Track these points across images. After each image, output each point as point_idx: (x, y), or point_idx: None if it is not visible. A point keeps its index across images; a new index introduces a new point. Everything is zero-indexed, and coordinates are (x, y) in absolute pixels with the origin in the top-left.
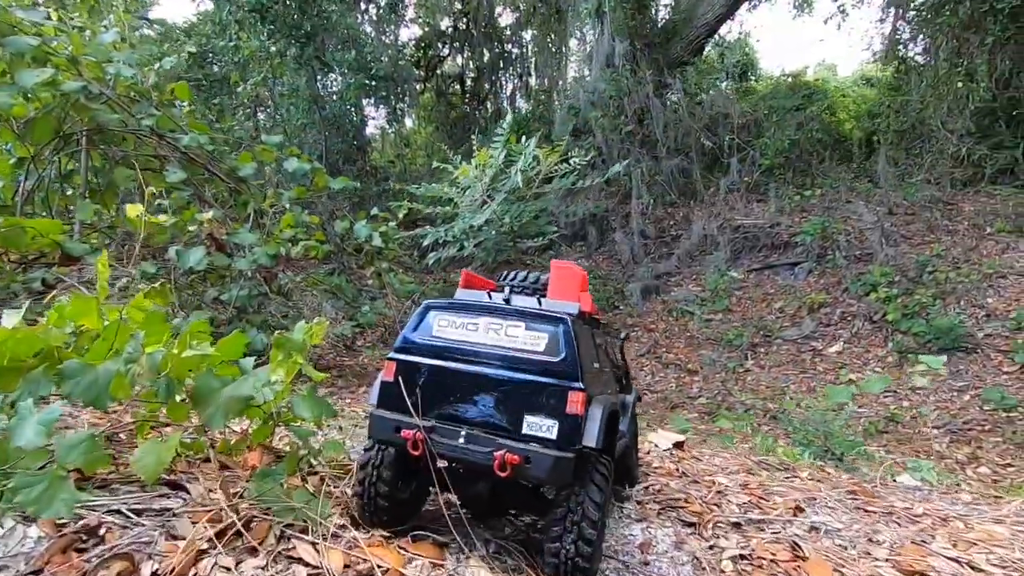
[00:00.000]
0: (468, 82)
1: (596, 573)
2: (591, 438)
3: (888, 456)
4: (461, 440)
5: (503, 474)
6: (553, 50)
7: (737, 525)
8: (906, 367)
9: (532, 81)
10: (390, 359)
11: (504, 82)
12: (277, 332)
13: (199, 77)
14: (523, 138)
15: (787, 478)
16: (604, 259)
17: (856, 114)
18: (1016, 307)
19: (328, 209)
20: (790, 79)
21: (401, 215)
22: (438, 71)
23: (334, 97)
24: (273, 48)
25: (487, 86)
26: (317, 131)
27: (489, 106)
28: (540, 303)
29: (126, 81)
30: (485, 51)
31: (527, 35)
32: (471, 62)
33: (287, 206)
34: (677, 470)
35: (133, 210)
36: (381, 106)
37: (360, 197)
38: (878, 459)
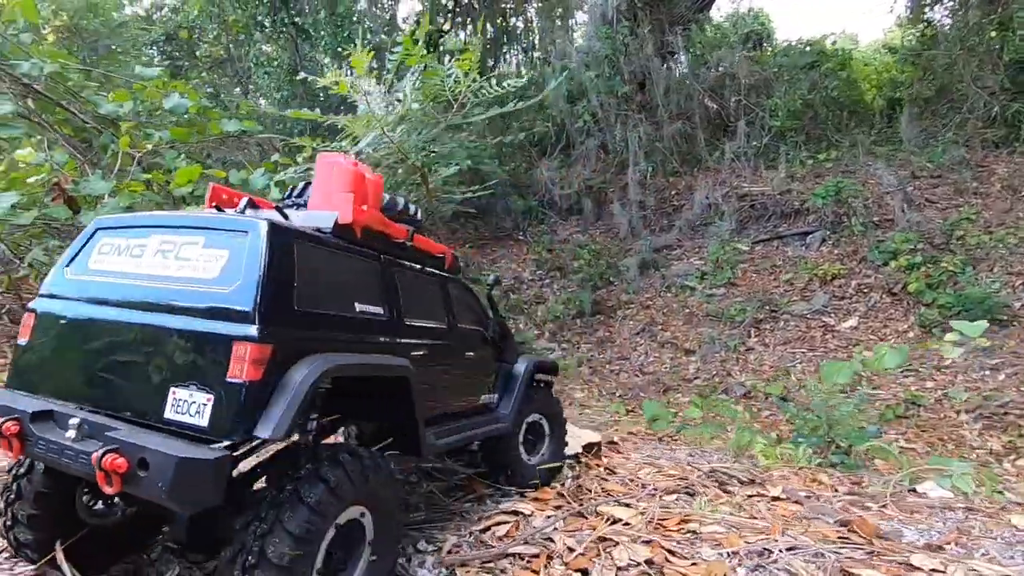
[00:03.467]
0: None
1: None
2: (271, 424)
3: (908, 446)
4: (70, 433)
5: (110, 489)
6: (559, 23)
7: None
8: (930, 343)
9: (536, 55)
10: (29, 310)
11: (509, 57)
12: None
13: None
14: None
15: (748, 498)
16: (601, 233)
17: (878, 83)
18: None
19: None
20: (807, 48)
21: (302, 158)
22: (440, 47)
23: (324, 70)
24: (239, 11)
25: (491, 61)
26: (300, 104)
27: (493, 82)
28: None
29: None
30: (488, 25)
31: (532, 8)
32: (474, 37)
33: (163, 152)
34: (563, 494)
35: None
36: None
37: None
38: (894, 454)
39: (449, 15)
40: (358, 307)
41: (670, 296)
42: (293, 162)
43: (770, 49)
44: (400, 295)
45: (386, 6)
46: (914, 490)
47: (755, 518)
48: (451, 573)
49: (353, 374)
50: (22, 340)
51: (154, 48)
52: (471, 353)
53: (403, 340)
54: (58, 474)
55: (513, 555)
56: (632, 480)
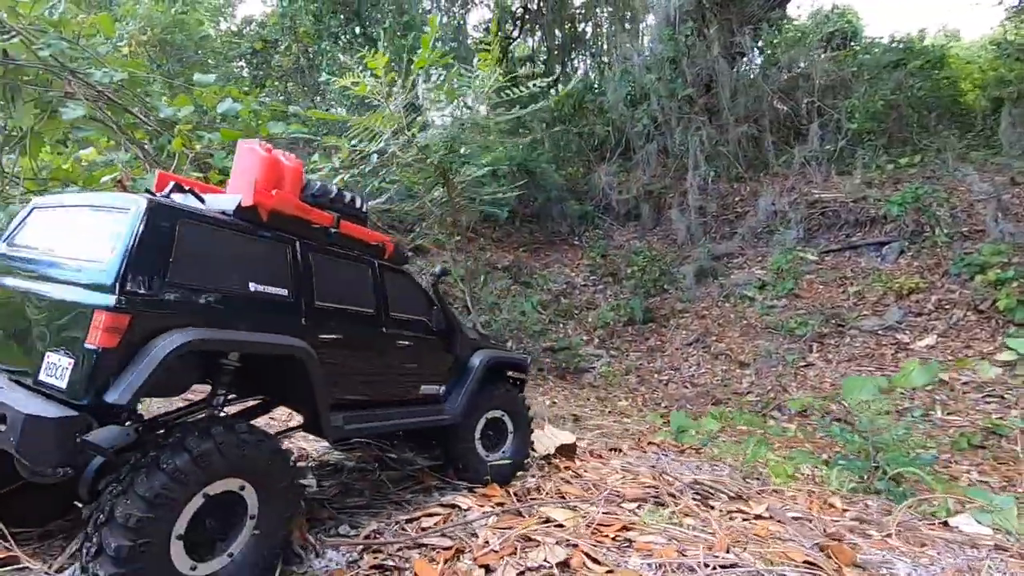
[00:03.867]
0: (539, 64)
1: None
2: (119, 390)
3: (981, 480)
4: None
5: None
6: (628, 27)
7: None
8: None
9: (604, 60)
10: None
11: (576, 63)
12: None
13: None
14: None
15: (725, 514)
16: (658, 239)
17: (982, 82)
18: None
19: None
20: (900, 46)
21: (340, 159)
22: (508, 54)
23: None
24: (310, 22)
25: (558, 67)
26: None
27: (560, 88)
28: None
29: (26, 7)
30: (556, 31)
31: (603, 12)
32: (543, 44)
33: (212, 152)
34: (514, 493)
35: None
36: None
37: None
38: (928, 481)
39: (518, 22)
40: (253, 287)
41: (727, 306)
42: (327, 161)
43: (856, 48)
44: (313, 278)
45: (456, 14)
46: (946, 523)
47: (713, 534)
48: (359, 557)
49: (222, 349)
50: None
51: (242, 60)
52: (405, 342)
53: (310, 322)
54: None
55: (425, 545)
56: (596, 485)
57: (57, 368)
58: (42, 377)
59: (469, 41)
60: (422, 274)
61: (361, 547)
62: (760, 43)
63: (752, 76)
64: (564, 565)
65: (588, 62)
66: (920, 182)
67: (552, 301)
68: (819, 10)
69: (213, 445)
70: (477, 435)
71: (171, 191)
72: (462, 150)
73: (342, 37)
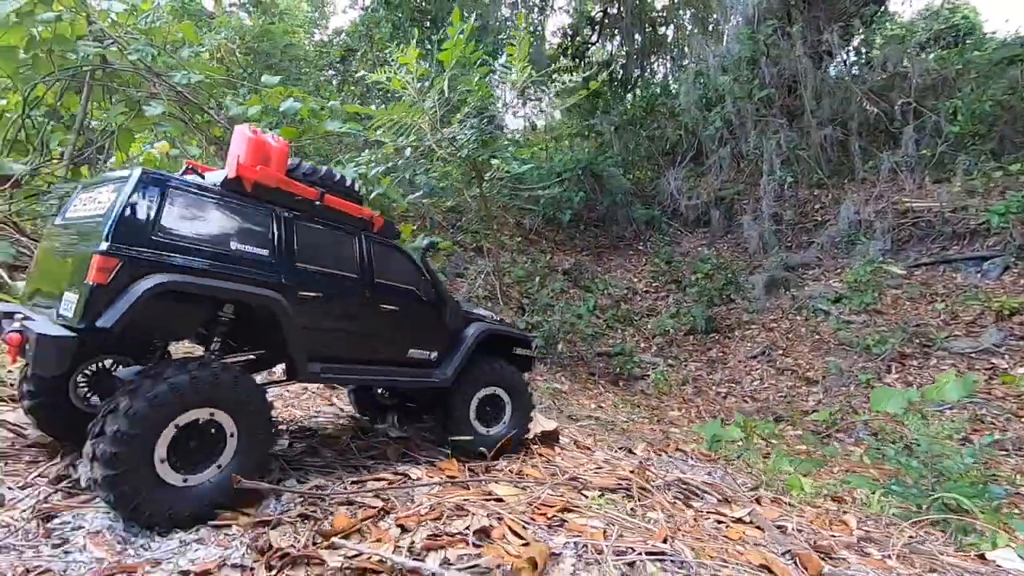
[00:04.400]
0: (617, 69)
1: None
2: (108, 318)
3: None
4: (15, 324)
5: (12, 359)
6: (710, 29)
7: None
8: None
9: (685, 64)
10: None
11: (656, 67)
12: None
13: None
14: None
15: (699, 513)
16: (728, 247)
17: None
18: None
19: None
20: (1018, 42)
21: (383, 153)
22: (586, 59)
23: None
24: (388, 28)
25: (636, 72)
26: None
27: (638, 93)
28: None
29: (123, 17)
30: (636, 35)
31: (685, 14)
32: (623, 47)
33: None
34: (472, 469)
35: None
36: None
37: None
38: (973, 510)
39: (596, 27)
40: (234, 246)
41: (798, 319)
42: (373, 158)
43: (969, 44)
44: (296, 243)
45: (535, 20)
46: (983, 556)
47: (668, 527)
48: (291, 507)
49: (194, 292)
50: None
51: (331, 69)
52: (391, 307)
53: (290, 281)
54: None
55: (355, 503)
56: (564, 472)
57: (69, 303)
58: (61, 311)
59: (547, 46)
60: (480, 274)
61: (299, 498)
62: (853, 42)
63: (840, 76)
64: (483, 533)
65: (668, 65)
66: None
67: (611, 306)
68: (928, 5)
69: (188, 378)
70: (473, 408)
71: (184, 171)
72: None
73: (420, 45)
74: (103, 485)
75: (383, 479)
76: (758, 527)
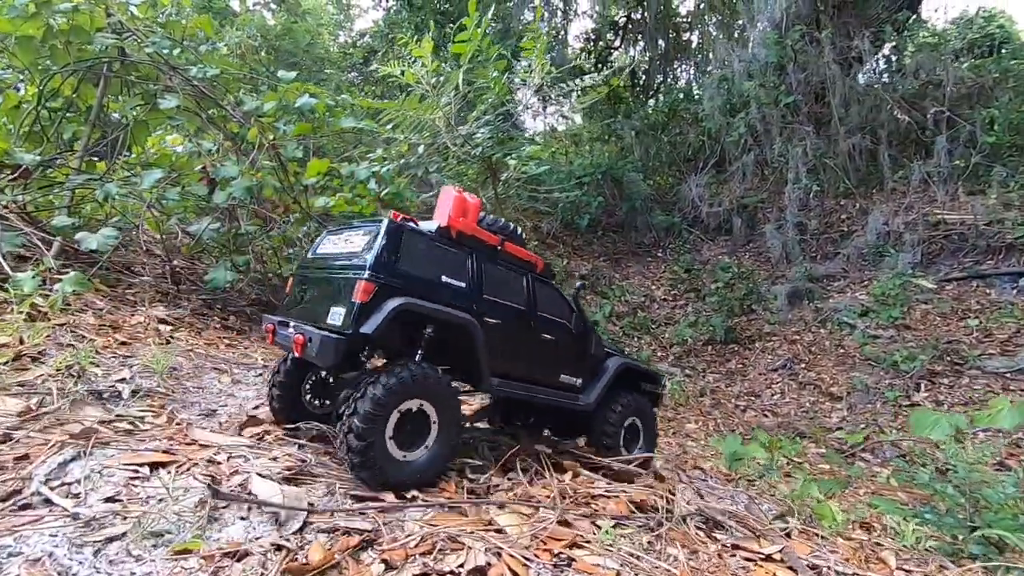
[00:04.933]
0: (640, 74)
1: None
2: (370, 326)
3: None
4: (290, 330)
5: (297, 352)
6: (736, 35)
7: None
8: None
9: (709, 70)
10: (292, 275)
11: (680, 72)
12: None
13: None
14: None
15: (725, 549)
16: (750, 256)
17: None
18: None
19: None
20: None
21: (397, 150)
22: (608, 63)
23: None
24: (408, 26)
25: (659, 77)
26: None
27: (661, 98)
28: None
29: (143, 9)
30: (660, 40)
31: (710, 20)
32: (646, 52)
33: (285, 144)
34: (473, 490)
35: (154, 141)
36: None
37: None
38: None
39: (620, 32)
40: (444, 279)
41: (822, 332)
42: (388, 156)
43: (1007, 56)
44: (484, 279)
45: (558, 24)
46: None
47: (692, 569)
48: (267, 533)
49: (424, 314)
50: (288, 290)
51: (354, 71)
52: (550, 336)
53: (479, 308)
54: (295, 367)
55: (338, 530)
56: (575, 494)
57: (336, 315)
58: (328, 321)
59: (569, 50)
60: None
61: (273, 523)
62: (884, 48)
63: (870, 84)
64: (479, 572)
65: (692, 72)
66: None
67: (628, 313)
68: (963, 14)
69: (408, 375)
70: (622, 434)
71: (403, 219)
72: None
73: (442, 49)
74: (354, 451)
75: (381, 500)
76: (791, 568)
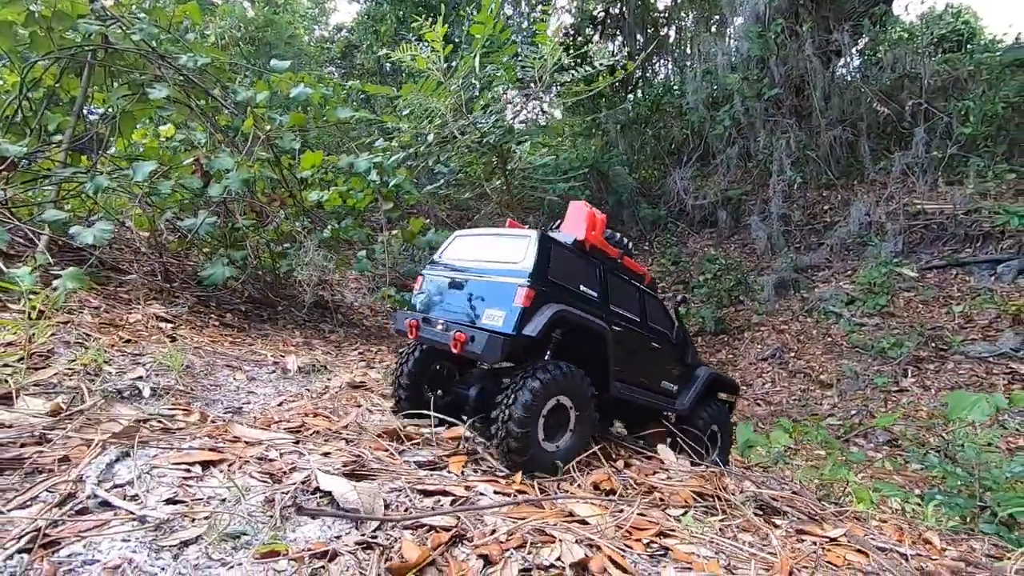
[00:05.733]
0: (619, 69)
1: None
2: (532, 328)
3: None
4: (438, 327)
5: (455, 349)
6: (714, 29)
7: None
8: None
9: (690, 64)
10: (419, 273)
11: (658, 68)
12: None
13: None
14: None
15: (793, 534)
16: (736, 248)
17: None
18: None
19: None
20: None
21: (399, 140)
22: (588, 58)
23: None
24: (392, 21)
25: (638, 72)
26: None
27: (640, 93)
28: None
29: None
30: (638, 35)
31: (688, 15)
32: (624, 47)
33: (280, 135)
34: (518, 493)
35: (140, 134)
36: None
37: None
38: None
39: (599, 26)
40: (581, 288)
41: (809, 321)
42: (389, 147)
43: (971, 49)
44: (609, 289)
45: (538, 19)
46: None
47: (773, 554)
48: (346, 532)
49: (575, 321)
50: (416, 289)
51: (332, 65)
52: (657, 345)
53: (607, 316)
54: (422, 360)
55: (424, 525)
56: (637, 484)
57: (493, 316)
58: (483, 322)
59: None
60: None
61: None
62: (860, 42)
63: (849, 76)
64: (580, 567)
65: (670, 66)
66: None
67: None
68: (931, 9)
69: (550, 375)
70: (707, 437)
71: (542, 231)
72: (519, 131)
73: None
74: (514, 437)
75: (450, 493)
76: (859, 550)
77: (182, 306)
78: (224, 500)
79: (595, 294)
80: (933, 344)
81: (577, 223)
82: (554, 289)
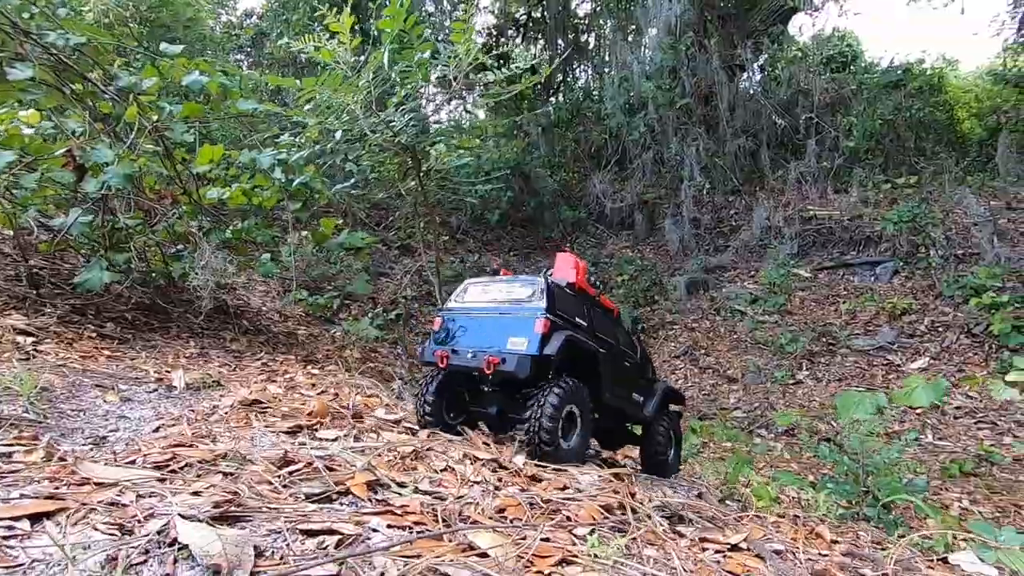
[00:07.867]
0: (539, 71)
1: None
2: (551, 349)
3: (971, 509)
4: (468, 354)
5: (487, 371)
6: (631, 38)
7: None
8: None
9: (608, 71)
10: (437, 315)
11: (579, 73)
12: None
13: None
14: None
15: (695, 543)
16: (651, 250)
17: (978, 110)
18: None
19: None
20: (899, 69)
21: (307, 137)
22: (510, 60)
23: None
24: (305, 9)
25: (559, 76)
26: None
27: (561, 97)
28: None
29: None
30: (559, 40)
31: (606, 24)
32: (545, 51)
33: (171, 127)
34: (415, 525)
35: None
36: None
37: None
38: (927, 510)
39: (521, 28)
40: (576, 319)
41: (718, 319)
42: (295, 143)
43: (854, 70)
44: (593, 320)
45: (457, 16)
46: (945, 560)
47: (674, 572)
48: None
49: (577, 343)
50: (436, 328)
51: (240, 54)
52: (628, 364)
53: (596, 341)
54: (441, 385)
55: None
56: (543, 502)
57: (517, 343)
58: (508, 348)
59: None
60: (407, 273)
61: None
62: (761, 58)
63: (751, 90)
64: None
65: (589, 72)
66: (916, 203)
67: None
68: (820, 31)
69: (564, 387)
70: (672, 441)
71: (545, 278)
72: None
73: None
74: (545, 432)
75: (337, 532)
76: (758, 555)
77: (50, 316)
78: (50, 565)
79: (585, 323)
80: (824, 339)
81: (566, 269)
82: (560, 320)
